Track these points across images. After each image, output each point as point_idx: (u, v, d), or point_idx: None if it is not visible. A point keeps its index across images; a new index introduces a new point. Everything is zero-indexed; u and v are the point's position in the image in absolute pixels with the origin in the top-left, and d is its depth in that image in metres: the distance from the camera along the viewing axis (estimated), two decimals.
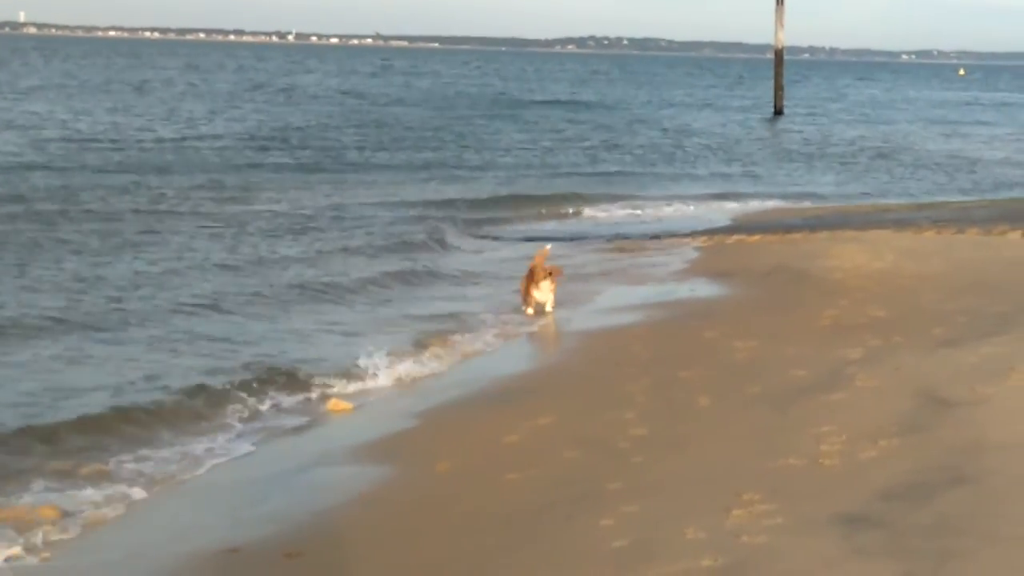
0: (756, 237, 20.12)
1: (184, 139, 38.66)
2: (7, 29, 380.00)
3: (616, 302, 15.16)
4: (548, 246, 15.28)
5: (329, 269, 17.83)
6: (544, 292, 14.23)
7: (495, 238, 22.18)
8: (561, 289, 14.94)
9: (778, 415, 9.46)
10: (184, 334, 13.48)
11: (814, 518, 6.95)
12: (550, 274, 14.18)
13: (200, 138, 39.25)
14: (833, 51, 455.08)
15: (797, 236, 19.78)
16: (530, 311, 14.31)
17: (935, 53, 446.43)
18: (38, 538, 7.86)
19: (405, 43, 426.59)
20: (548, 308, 14.30)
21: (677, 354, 12.02)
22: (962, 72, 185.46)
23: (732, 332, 12.58)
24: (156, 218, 22.20)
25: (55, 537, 7.95)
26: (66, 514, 8.31)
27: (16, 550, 7.65)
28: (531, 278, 14.26)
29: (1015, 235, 18.14)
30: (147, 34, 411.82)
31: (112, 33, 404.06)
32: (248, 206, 24.39)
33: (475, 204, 26.37)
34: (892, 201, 28.42)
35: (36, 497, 8.58)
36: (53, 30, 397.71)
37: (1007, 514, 6.65)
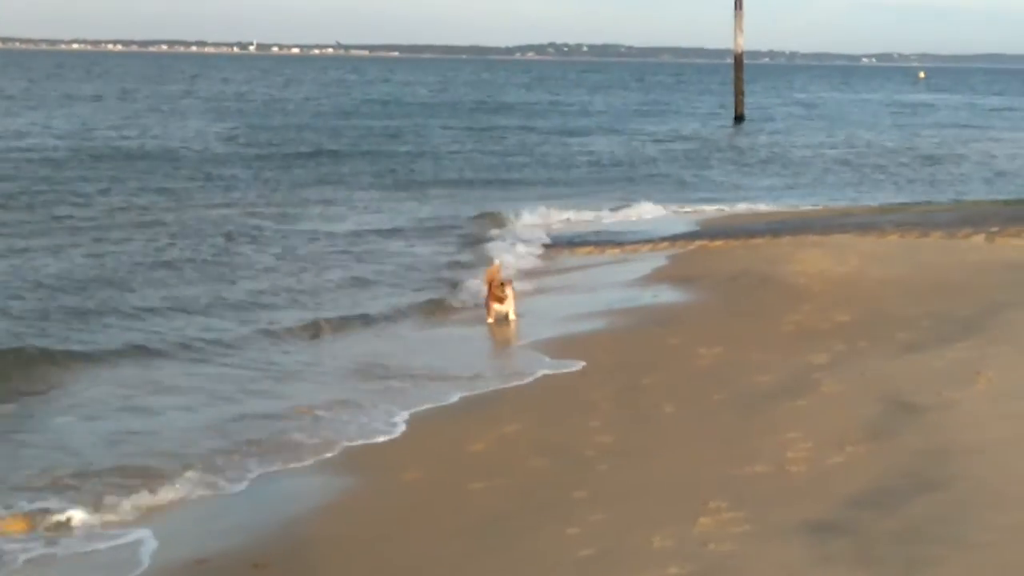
0: (719, 242, 20.12)
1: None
2: None
3: (578, 309, 15.11)
4: (498, 261, 15.92)
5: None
6: (506, 303, 14.55)
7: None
8: (523, 297, 14.91)
9: (744, 422, 9.44)
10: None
11: (782, 525, 6.92)
12: (508, 284, 14.63)
13: None
14: (793, 55, 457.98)
15: (760, 241, 19.79)
16: (490, 320, 14.58)
17: (895, 56, 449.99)
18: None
19: (366, 52, 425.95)
20: (511, 316, 14.56)
21: (641, 361, 11.98)
22: (922, 75, 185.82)
23: (696, 338, 12.56)
24: None
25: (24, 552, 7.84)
26: (35, 526, 8.21)
27: None
28: (489, 290, 14.64)
29: (978, 238, 18.21)
30: (110, 46, 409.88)
31: (76, 46, 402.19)
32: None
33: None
34: (855, 205, 28.53)
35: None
36: (17, 43, 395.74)
37: (975, 520, 6.63)
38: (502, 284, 14.59)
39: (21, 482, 9.01)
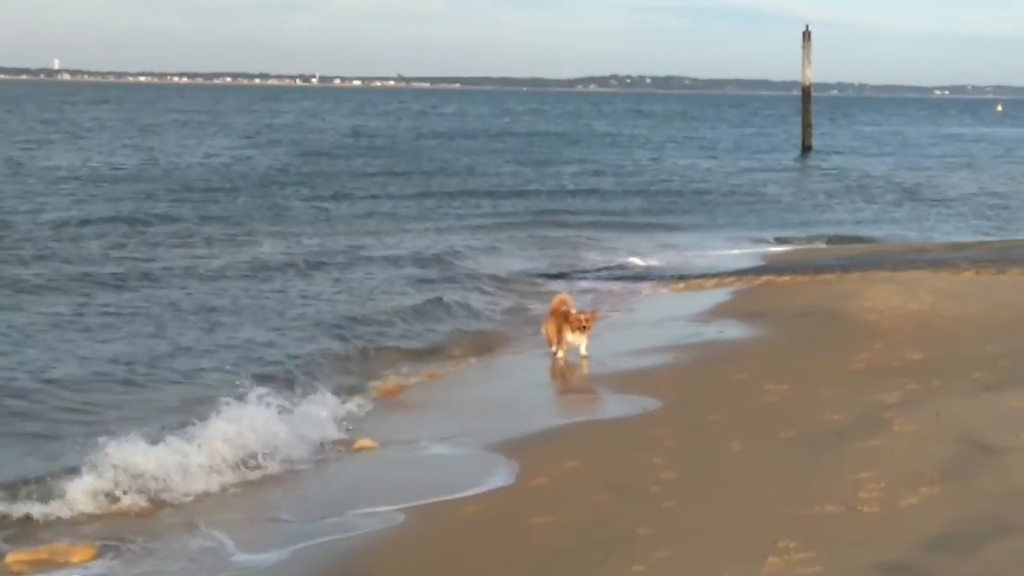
0: (786, 278, 19.86)
1: None
2: (42, 76, 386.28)
3: (643, 344, 14.93)
4: (565, 293, 15.31)
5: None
6: (578, 336, 14.05)
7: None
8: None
9: (813, 460, 9.21)
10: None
11: (853, 567, 6.70)
12: (588, 319, 14.05)
13: None
14: (862, 87, 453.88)
15: (829, 277, 19.50)
16: (560, 354, 14.13)
17: (969, 88, 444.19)
18: None
19: (427, 84, 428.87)
20: (582, 351, 14.08)
21: (706, 397, 11.80)
22: (1000, 108, 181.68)
23: (763, 375, 12.34)
24: None
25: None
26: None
27: None
28: (560, 321, 14.10)
29: None
30: (175, 79, 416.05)
31: (142, 79, 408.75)
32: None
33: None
34: (927, 240, 28.10)
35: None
36: (86, 76, 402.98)
37: None
38: (582, 314, 14.05)
39: None
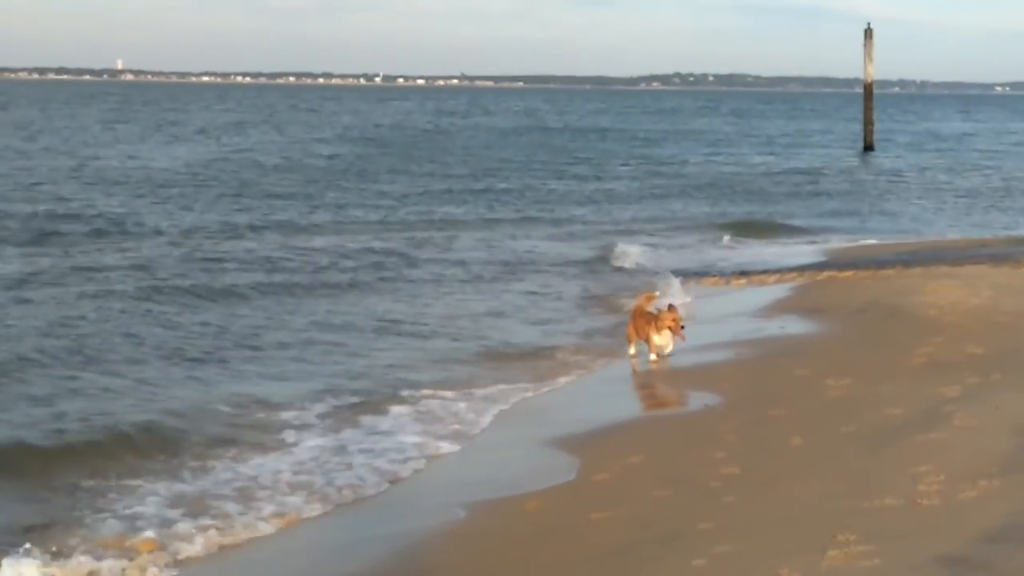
0: (848, 273, 19.82)
1: None
2: (105, 76, 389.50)
3: (705, 339, 14.97)
4: (657, 292, 14.78)
5: None
6: (666, 337, 13.63)
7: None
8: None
9: (873, 454, 9.25)
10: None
11: (913, 560, 6.76)
12: (674, 320, 13.55)
13: None
14: (924, 84, 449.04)
15: (890, 272, 19.45)
16: (653, 357, 13.68)
17: None
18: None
19: (490, 83, 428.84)
20: (667, 351, 13.68)
21: (767, 392, 11.84)
22: None
23: (824, 370, 12.36)
24: None
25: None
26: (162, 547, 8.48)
27: None
28: (646, 321, 13.62)
29: None
30: (238, 79, 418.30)
31: (205, 79, 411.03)
32: None
33: None
34: (988, 236, 27.91)
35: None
36: (149, 76, 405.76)
37: None
38: (673, 320, 13.44)
39: None
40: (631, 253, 24.23)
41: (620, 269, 22.62)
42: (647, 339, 13.54)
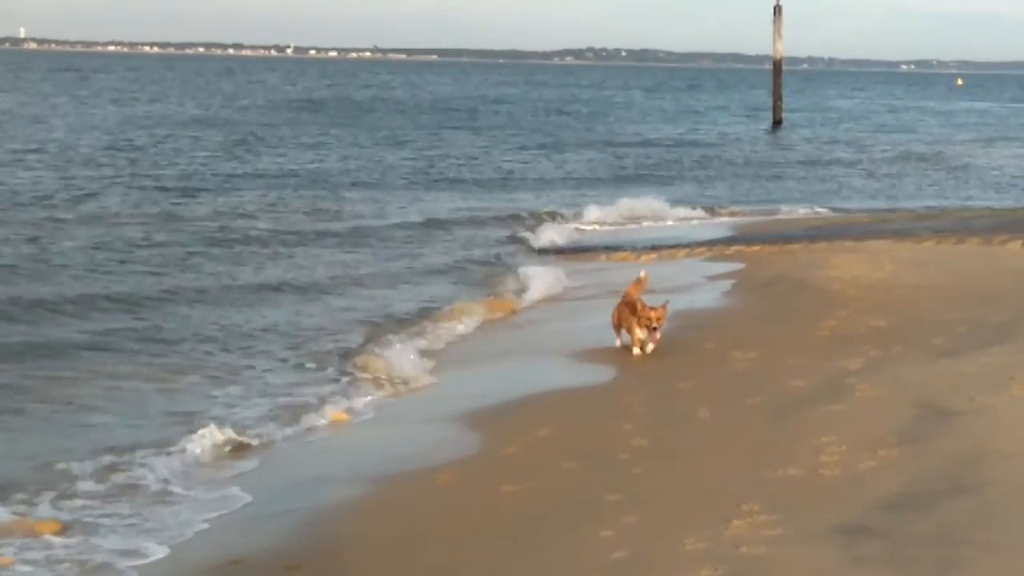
0: (756, 247, 20.10)
1: None
2: (7, 45, 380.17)
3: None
4: (643, 272, 13.65)
5: None
6: (645, 333, 12.49)
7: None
8: (561, 302, 14.94)
9: (778, 426, 9.45)
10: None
11: (814, 528, 6.94)
12: (659, 318, 12.41)
13: None
14: (832, 61, 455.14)
15: (796, 247, 19.76)
16: (636, 351, 12.52)
17: (934, 63, 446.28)
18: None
19: (403, 56, 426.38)
20: (648, 348, 12.55)
21: (676, 365, 12.01)
22: (960, 82, 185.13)
23: (731, 343, 12.56)
24: None
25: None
26: (69, 526, 8.36)
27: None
28: (632, 311, 12.54)
29: (1015, 245, 18.12)
30: (146, 48, 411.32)
31: (112, 48, 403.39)
32: None
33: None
34: (891, 210, 28.45)
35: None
36: (53, 45, 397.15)
37: (1007, 524, 6.64)
38: (653, 311, 12.37)
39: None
40: (546, 232, 24.29)
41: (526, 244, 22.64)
42: (629, 330, 12.64)
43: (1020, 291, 14.26)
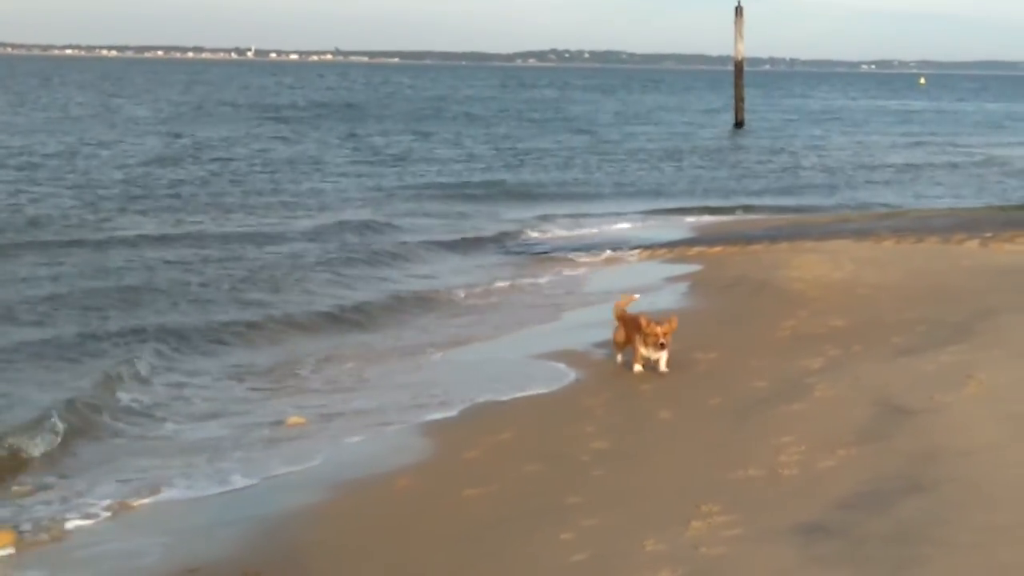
0: (717, 248, 20.18)
1: None
2: None
3: (577, 318, 15.15)
4: (637, 296, 13.40)
5: None
6: (653, 351, 11.88)
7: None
8: (522, 307, 14.93)
9: (738, 426, 9.48)
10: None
11: (773, 528, 6.96)
12: (666, 333, 11.79)
13: None
14: (793, 62, 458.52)
15: (758, 247, 19.85)
16: (637, 367, 11.94)
17: (895, 63, 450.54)
18: None
19: (365, 58, 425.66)
20: (662, 367, 11.87)
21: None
22: (923, 81, 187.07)
23: (692, 344, 12.59)
24: None
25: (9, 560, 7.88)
26: (23, 535, 8.26)
27: None
28: (635, 327, 11.98)
29: (972, 244, 18.28)
30: (104, 52, 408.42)
31: (69, 52, 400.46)
32: None
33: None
34: (851, 211, 28.62)
35: None
36: (9, 49, 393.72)
37: (964, 521, 6.67)
38: (655, 323, 11.78)
39: None
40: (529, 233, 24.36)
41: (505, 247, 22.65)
42: (634, 348, 12.09)
43: (977, 289, 14.38)
